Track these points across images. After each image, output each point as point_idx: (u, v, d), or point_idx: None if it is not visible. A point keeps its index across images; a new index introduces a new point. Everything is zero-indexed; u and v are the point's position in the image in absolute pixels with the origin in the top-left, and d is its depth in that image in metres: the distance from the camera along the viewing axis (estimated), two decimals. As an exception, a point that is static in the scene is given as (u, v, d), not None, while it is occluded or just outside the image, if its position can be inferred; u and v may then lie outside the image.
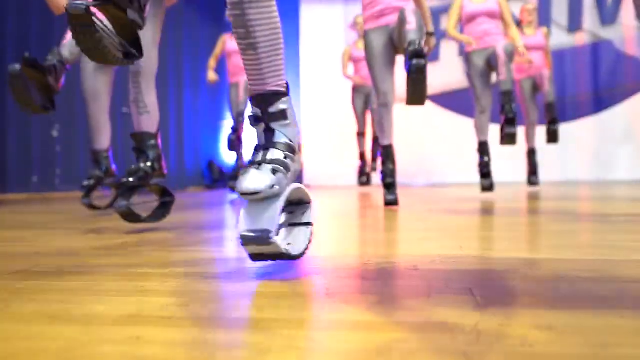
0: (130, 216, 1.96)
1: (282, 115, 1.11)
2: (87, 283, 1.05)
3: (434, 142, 7.12)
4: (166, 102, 6.91)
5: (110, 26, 1.19)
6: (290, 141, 1.12)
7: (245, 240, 1.03)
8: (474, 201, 3.57)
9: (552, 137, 4.68)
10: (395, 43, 3.00)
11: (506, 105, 3.69)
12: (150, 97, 2.07)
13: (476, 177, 4.13)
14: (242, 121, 5.07)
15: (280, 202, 1.05)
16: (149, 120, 2.07)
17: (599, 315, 0.76)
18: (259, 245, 1.02)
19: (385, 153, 3.02)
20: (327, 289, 0.96)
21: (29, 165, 5.59)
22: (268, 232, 1.01)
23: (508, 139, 3.64)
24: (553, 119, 4.67)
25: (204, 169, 7.79)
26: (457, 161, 6.72)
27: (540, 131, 5.04)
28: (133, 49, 1.09)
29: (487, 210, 2.84)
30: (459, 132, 6.78)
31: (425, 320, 0.75)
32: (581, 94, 6.96)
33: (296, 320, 0.76)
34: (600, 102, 6.89)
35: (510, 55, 3.77)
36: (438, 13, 7.01)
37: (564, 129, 6.98)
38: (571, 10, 7.00)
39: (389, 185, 2.97)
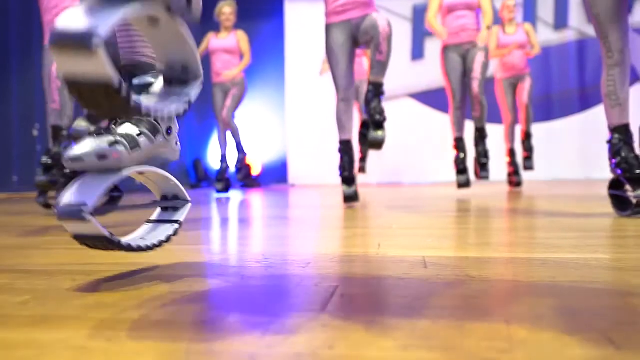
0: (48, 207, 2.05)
1: (148, 89, 0.98)
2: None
3: (420, 141, 7.07)
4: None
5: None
6: (155, 119, 1.00)
7: (59, 215, 0.89)
8: (444, 199, 3.53)
9: (528, 167, 4.86)
10: (356, 39, 2.97)
11: (479, 145, 3.93)
12: None
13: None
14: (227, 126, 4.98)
15: (113, 180, 0.92)
16: None
17: (422, 316, 0.72)
18: (73, 222, 0.88)
19: (344, 148, 2.98)
20: (173, 290, 0.92)
21: (9, 165, 5.58)
22: (83, 205, 0.86)
23: (483, 179, 3.99)
24: (529, 153, 4.80)
25: (189, 167, 7.74)
26: (443, 159, 6.66)
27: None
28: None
29: (448, 209, 2.80)
30: (444, 130, 6.73)
31: (239, 320, 0.71)
32: (567, 91, 6.90)
33: (117, 319, 0.73)
34: (587, 99, 6.82)
35: (485, 68, 3.83)
36: (423, 11, 6.95)
37: (550, 126, 6.93)
38: (557, 8, 6.94)
39: (347, 179, 2.93)
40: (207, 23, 5.39)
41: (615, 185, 2.03)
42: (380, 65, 2.80)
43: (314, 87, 6.93)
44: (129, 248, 0.96)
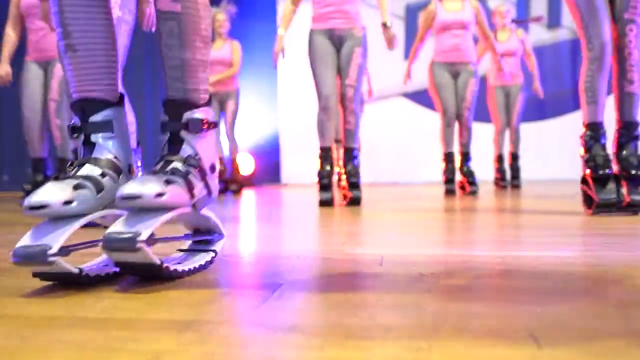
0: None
1: (107, 126, 0.96)
2: None
3: (414, 140, 7.04)
4: (143, 99, 6.87)
5: None
6: (115, 158, 0.96)
7: (15, 259, 0.86)
8: (432, 199, 3.51)
9: (514, 186, 4.84)
10: (339, 48, 2.99)
11: (464, 166, 3.94)
12: None
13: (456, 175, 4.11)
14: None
15: (80, 223, 0.88)
16: None
17: (353, 315, 0.70)
18: (36, 264, 0.85)
19: (323, 155, 2.98)
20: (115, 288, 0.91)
21: (0, 164, 5.57)
22: (47, 247, 0.83)
23: (472, 194, 3.86)
24: (515, 174, 4.85)
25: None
26: (437, 159, 6.63)
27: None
28: None
29: (431, 208, 2.78)
30: (438, 129, 6.70)
31: (171, 318, 0.69)
32: (562, 91, 6.86)
33: (43, 317, 0.71)
34: (580, 99, 6.79)
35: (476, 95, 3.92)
36: (416, 10, 6.93)
37: (544, 126, 6.90)
38: (550, 7, 6.91)
39: (325, 186, 2.91)
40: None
41: (586, 182, 2.02)
42: (349, 133, 3.00)
43: (307, 87, 6.90)
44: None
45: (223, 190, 4.93)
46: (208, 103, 1.00)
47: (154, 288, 0.87)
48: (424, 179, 6.86)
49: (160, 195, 0.85)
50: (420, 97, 6.96)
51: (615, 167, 1.99)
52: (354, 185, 2.93)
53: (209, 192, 0.98)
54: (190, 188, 0.92)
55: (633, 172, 1.94)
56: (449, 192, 3.88)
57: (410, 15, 6.97)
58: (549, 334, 0.60)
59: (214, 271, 1.02)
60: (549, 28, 6.92)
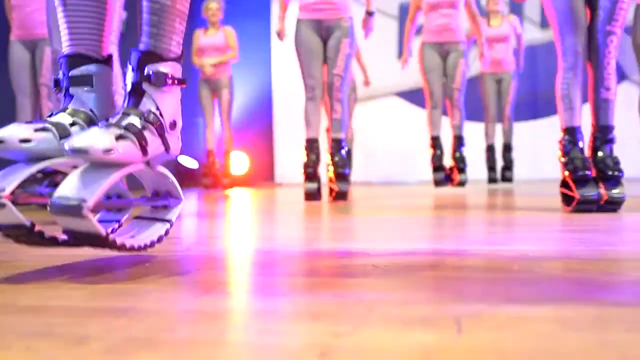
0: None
1: (86, 80, 0.98)
2: None
3: (408, 140, 7.05)
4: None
5: None
6: (91, 111, 0.98)
7: None
8: (421, 197, 3.52)
9: (507, 178, 4.87)
10: (325, 40, 3.00)
11: (456, 152, 3.95)
12: None
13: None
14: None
15: (35, 168, 0.89)
16: None
17: (281, 304, 0.71)
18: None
19: (309, 146, 2.99)
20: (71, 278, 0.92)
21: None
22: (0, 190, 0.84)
23: (461, 185, 3.88)
24: (508, 165, 4.83)
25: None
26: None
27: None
28: None
29: (418, 206, 2.79)
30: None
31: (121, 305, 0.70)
32: (554, 90, 6.88)
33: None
34: (574, 98, 6.79)
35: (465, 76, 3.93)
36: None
37: (537, 125, 6.90)
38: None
39: (310, 175, 2.92)
40: (193, 21, 5.44)
41: (565, 184, 2.08)
42: (336, 123, 2.98)
43: (301, 86, 6.91)
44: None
45: (213, 186, 4.94)
46: (178, 59, 0.98)
47: (104, 278, 0.88)
48: (419, 178, 6.87)
49: (108, 151, 0.84)
50: (414, 97, 6.96)
51: (592, 170, 2.04)
52: (341, 176, 2.89)
53: (167, 149, 0.96)
54: (143, 145, 0.90)
55: (609, 172, 1.99)
56: (438, 184, 3.88)
57: (404, 15, 6.97)
58: (477, 320, 0.61)
59: (169, 263, 1.03)
60: (542, 27, 6.93)
